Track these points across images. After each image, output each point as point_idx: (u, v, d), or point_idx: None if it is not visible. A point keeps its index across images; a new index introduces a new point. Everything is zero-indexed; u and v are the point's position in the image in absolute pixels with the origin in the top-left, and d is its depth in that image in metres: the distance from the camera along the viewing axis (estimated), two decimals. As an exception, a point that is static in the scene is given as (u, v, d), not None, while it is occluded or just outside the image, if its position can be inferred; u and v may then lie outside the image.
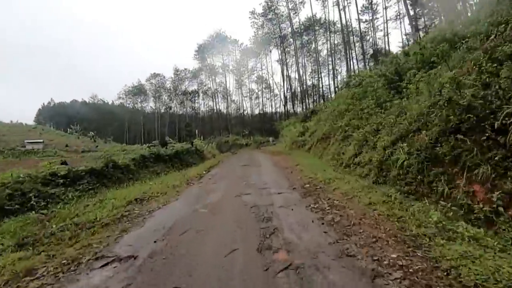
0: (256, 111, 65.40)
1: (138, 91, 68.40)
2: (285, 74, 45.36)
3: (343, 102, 12.26)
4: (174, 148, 13.52)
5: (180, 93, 67.04)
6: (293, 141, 16.83)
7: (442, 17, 24.73)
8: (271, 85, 55.55)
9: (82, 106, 76.25)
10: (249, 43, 52.87)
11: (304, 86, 46.60)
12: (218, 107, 64.81)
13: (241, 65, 59.08)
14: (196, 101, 68.60)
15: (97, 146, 44.68)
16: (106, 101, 77.26)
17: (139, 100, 71.59)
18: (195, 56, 53.51)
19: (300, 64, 44.74)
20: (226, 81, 56.76)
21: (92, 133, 53.44)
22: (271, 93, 55.92)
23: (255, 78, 62.12)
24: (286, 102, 47.13)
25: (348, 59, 38.08)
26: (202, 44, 51.49)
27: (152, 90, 68.83)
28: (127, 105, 72.34)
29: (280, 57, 45.72)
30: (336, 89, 45.11)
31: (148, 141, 64.88)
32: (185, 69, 63.89)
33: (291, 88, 49.79)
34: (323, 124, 13.86)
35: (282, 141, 25.20)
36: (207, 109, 69.79)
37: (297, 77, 46.72)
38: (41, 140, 47.43)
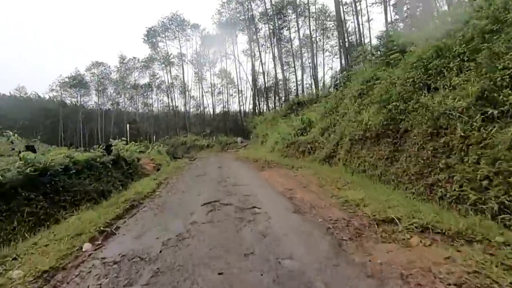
0: (218, 109, 58.88)
1: (77, 83, 57.37)
2: (254, 63, 39.62)
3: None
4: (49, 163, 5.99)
5: (129, 87, 57.65)
6: (288, 144, 11.01)
7: None
8: (237, 80, 49.25)
9: (4, 101, 62.36)
10: (211, 29, 46.24)
11: (274, 80, 41.38)
12: (174, 103, 56.92)
13: (202, 55, 52.09)
14: (149, 96, 59.77)
15: (13, 149, 34.36)
16: (39, 95, 64.13)
17: (79, 94, 60.43)
18: (144, 41, 45.00)
19: (270, 55, 39.47)
20: (183, 74, 49.27)
21: (11, 133, 42.32)
22: (238, 89, 49.76)
23: (218, 72, 55.61)
24: (256, 96, 41.43)
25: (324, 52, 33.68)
26: (153, 27, 43.21)
27: (94, 83, 58.33)
28: (64, 100, 60.69)
29: (249, 44, 39.83)
30: (308, 85, 40.78)
31: (89, 143, 54.99)
32: (134, 58, 54.80)
33: (257, 83, 44.34)
34: (340, 117, 8.40)
35: (257, 142, 19.54)
36: (162, 105, 61.41)
37: (266, 69, 41.36)
38: None
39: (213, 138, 32.61)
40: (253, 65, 42.21)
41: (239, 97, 47.38)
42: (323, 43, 43.32)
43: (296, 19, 32.58)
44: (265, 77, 41.86)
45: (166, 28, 43.23)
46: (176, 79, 54.57)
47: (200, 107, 57.19)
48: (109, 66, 55.94)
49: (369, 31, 30.26)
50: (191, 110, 60.34)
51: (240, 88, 46.38)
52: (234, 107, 60.91)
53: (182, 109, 54.86)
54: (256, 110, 47.86)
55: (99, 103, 62.62)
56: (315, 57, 33.44)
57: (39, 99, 62.52)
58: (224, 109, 56.45)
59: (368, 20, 30.48)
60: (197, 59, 51.45)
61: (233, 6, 35.93)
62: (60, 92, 59.06)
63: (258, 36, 37.90)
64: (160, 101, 60.81)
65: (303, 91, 40.99)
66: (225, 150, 26.59)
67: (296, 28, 35.45)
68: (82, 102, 62.08)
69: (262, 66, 41.58)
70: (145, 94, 58.85)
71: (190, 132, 43.08)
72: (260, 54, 39.98)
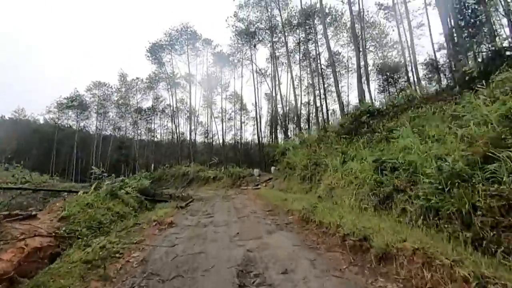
0: (229, 137, 52.64)
1: (77, 104, 52.59)
2: (274, 84, 33.75)
3: None
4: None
5: (132, 110, 52.51)
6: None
7: None
8: (255, 101, 43.14)
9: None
10: (225, 45, 41.28)
11: (294, 104, 35.24)
12: (179, 129, 51.06)
13: (213, 77, 47.05)
14: (153, 121, 54.29)
15: None
16: (34, 118, 59.70)
17: (79, 117, 55.45)
18: (148, 57, 40.11)
19: (294, 74, 33.76)
20: (190, 97, 43.74)
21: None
22: (256, 112, 43.56)
23: (229, 95, 50.21)
24: (275, 123, 35.09)
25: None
26: (158, 41, 38.34)
27: (95, 104, 53.52)
28: (61, 122, 55.68)
29: (270, 60, 34.17)
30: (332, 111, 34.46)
31: (84, 171, 48.67)
32: (137, 78, 50.06)
33: (277, 108, 38.25)
34: None
35: (288, 177, 12.53)
36: (166, 131, 55.70)
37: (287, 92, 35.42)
38: None
39: (222, 169, 25.68)
40: (274, 86, 36.48)
41: (257, 124, 40.82)
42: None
43: (324, 31, 27.20)
44: (287, 100, 35.74)
45: (175, 41, 38.33)
46: (182, 103, 49.24)
47: (208, 134, 51.09)
48: (111, 86, 51.27)
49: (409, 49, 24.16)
50: (198, 137, 54.32)
51: (258, 113, 39.81)
52: (246, 135, 54.81)
53: (188, 136, 48.65)
54: (273, 139, 41.44)
55: (100, 127, 57.52)
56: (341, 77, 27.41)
57: (34, 121, 57.82)
58: (236, 137, 50.17)
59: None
60: (207, 80, 46.29)
61: (252, 8, 30.37)
62: (58, 114, 54.20)
63: (278, 52, 32.33)
64: (165, 126, 55.26)
65: (327, 118, 34.73)
66: (237, 185, 19.49)
67: (324, 41, 29.74)
68: (81, 126, 57.05)
69: (279, 88, 35.66)
70: (148, 119, 53.43)
71: (195, 162, 36.37)
72: (279, 73, 34.28)
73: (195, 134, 50.66)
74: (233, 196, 11.90)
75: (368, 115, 9.39)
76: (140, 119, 53.63)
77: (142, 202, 8.60)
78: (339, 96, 18.23)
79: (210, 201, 11.15)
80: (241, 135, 46.58)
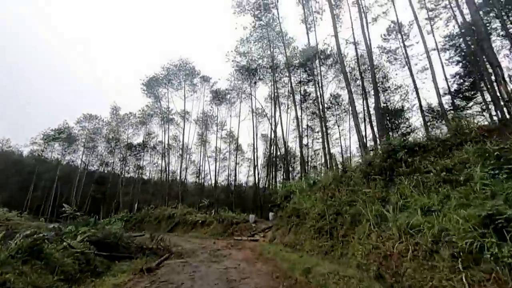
0: (221, 178, 49.82)
1: (65, 137, 50.06)
2: (274, 123, 32.30)
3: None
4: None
5: (122, 146, 50.07)
6: None
7: None
8: (253, 141, 41.22)
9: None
10: (224, 81, 40.49)
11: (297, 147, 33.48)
12: (170, 168, 48.26)
13: (209, 116, 45.85)
14: (142, 157, 51.58)
15: None
16: (18, 149, 56.53)
17: (67, 151, 52.51)
18: (143, 91, 38.90)
19: (291, 115, 32.52)
20: (183, 134, 41.91)
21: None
22: (254, 152, 41.52)
23: (224, 135, 48.60)
24: (274, 164, 32.91)
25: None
26: (156, 75, 37.54)
27: (84, 137, 51.08)
28: (45, 155, 52.54)
29: (270, 99, 33.11)
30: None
31: (60, 209, 44.34)
32: (130, 113, 48.54)
33: (276, 149, 36.40)
34: None
35: (288, 226, 9.91)
36: (156, 169, 52.68)
37: (285, 134, 33.85)
38: None
39: (213, 213, 22.65)
40: (273, 124, 34.99)
41: (254, 164, 38.57)
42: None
43: (321, 73, 26.20)
44: (285, 142, 33.97)
45: (172, 76, 37.55)
46: (175, 140, 47.25)
47: (200, 173, 48.29)
48: (103, 120, 49.42)
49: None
50: (189, 176, 51.38)
51: (255, 153, 37.69)
52: (240, 177, 52.10)
53: (178, 175, 45.70)
54: (270, 182, 38.85)
55: (86, 161, 54.43)
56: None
57: (15, 153, 54.52)
58: (229, 178, 47.36)
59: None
60: (202, 118, 44.96)
61: (254, 43, 29.68)
62: (43, 147, 51.30)
63: (278, 91, 31.40)
64: (155, 164, 52.48)
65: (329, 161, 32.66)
66: (229, 233, 16.53)
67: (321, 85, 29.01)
68: (67, 160, 53.84)
69: (280, 127, 34.20)
70: (138, 155, 50.80)
71: (184, 203, 33.15)
72: (279, 113, 33.05)
73: (186, 173, 47.82)
74: (224, 253, 9.04)
75: (405, 150, 7.25)
76: (129, 155, 51.02)
77: (90, 261, 5.82)
78: (358, 128, 16.30)
79: (193, 257, 8.35)
80: (235, 177, 43.87)
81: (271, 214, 18.63)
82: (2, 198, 45.49)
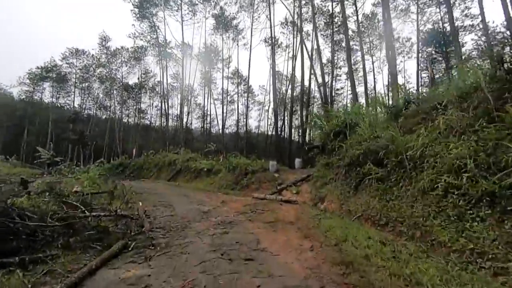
0: (229, 123, 45.28)
1: (55, 76, 44.58)
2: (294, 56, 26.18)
3: None
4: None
5: (119, 87, 44.66)
6: None
7: None
8: (270, 79, 35.50)
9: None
10: (231, 8, 33.18)
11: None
12: (172, 111, 43.50)
13: (212, 48, 39.27)
14: (141, 100, 46.49)
15: None
16: (5, 90, 51.25)
17: (60, 93, 47.49)
18: (134, 15, 32.02)
19: (316, 45, 26.07)
20: (183, 71, 35.99)
21: None
22: (271, 94, 36.10)
23: (231, 73, 42.54)
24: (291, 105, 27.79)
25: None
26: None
27: (74, 76, 45.60)
28: (36, 98, 47.82)
29: (293, 15, 26.33)
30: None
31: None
32: (122, 47, 41.90)
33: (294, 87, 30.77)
34: None
35: (347, 180, 5.11)
36: (157, 113, 47.91)
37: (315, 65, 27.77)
38: None
39: (221, 159, 18.41)
40: (289, 60, 28.80)
41: (274, 102, 33.51)
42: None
43: None
44: (303, 80, 28.07)
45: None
46: (177, 79, 41.45)
47: (205, 118, 43.55)
48: (91, 55, 43.22)
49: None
50: (194, 121, 46.92)
51: (274, 86, 32.08)
52: (250, 122, 47.59)
53: (182, 120, 41.06)
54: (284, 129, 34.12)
55: (82, 105, 49.82)
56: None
57: (4, 95, 49.56)
58: (238, 123, 42.71)
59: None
60: (205, 53, 38.50)
61: None
62: (32, 87, 46.25)
63: (301, 12, 24.54)
64: (156, 107, 47.57)
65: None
66: (242, 186, 12.26)
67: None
68: (61, 103, 49.15)
69: (300, 63, 27.99)
70: (136, 97, 45.64)
71: (187, 147, 29.09)
72: (302, 44, 26.53)
73: (190, 117, 43.21)
74: (242, 237, 4.45)
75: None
76: (128, 98, 45.95)
77: None
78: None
79: (174, 249, 3.87)
80: (246, 121, 39.01)
81: (298, 161, 14.15)
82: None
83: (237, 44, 36.48)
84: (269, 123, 43.08)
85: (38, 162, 20.35)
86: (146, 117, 49.56)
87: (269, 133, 42.77)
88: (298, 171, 12.76)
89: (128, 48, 40.73)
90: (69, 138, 33.05)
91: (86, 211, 5.10)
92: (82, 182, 11.22)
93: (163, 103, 39.16)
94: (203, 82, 41.69)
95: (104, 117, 49.61)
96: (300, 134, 33.42)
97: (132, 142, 40.41)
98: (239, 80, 42.35)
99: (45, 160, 18.37)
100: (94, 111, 50.72)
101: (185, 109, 41.67)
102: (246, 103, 38.11)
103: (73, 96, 47.21)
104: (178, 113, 41.78)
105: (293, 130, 33.87)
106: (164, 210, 7.65)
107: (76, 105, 48.76)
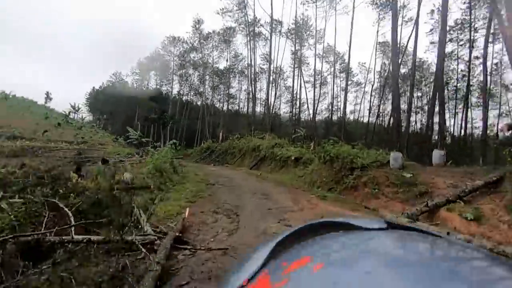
0: (320, 107, 40.52)
1: (159, 64, 48.71)
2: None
3: None
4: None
5: (211, 72, 45.38)
6: None
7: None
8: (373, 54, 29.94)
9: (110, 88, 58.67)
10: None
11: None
12: (259, 96, 41.54)
13: (303, 24, 34.97)
14: (230, 85, 46.17)
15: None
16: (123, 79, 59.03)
17: (163, 81, 51.91)
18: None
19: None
20: (271, 51, 32.89)
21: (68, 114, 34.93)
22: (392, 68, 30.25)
23: (326, 50, 37.28)
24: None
25: None
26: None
27: (174, 64, 48.58)
28: (143, 86, 53.48)
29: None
30: None
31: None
32: (213, 31, 41.60)
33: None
34: None
35: None
36: (245, 98, 46.91)
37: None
38: None
39: (312, 146, 14.68)
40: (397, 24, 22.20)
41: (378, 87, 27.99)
42: None
43: None
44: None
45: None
46: (266, 60, 38.87)
47: (295, 102, 39.93)
48: (186, 42, 44.73)
49: None
50: (283, 105, 44.06)
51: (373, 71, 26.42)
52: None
53: (268, 103, 38.58)
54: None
55: (181, 92, 53.16)
56: None
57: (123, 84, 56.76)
58: (332, 108, 37.53)
59: None
60: (296, 28, 34.44)
61: None
62: (141, 76, 51.81)
63: None
64: (245, 91, 46.61)
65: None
66: (349, 185, 8.21)
67: None
68: (164, 90, 53.62)
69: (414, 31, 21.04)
70: (226, 82, 45.50)
71: (273, 133, 26.37)
72: None
73: (279, 101, 40.39)
74: None
75: None
76: (220, 83, 46.34)
77: None
78: None
79: None
80: (344, 105, 33.57)
81: (438, 154, 9.10)
82: (114, 128, 49.34)
83: (335, 9, 31.06)
84: (369, 106, 36.36)
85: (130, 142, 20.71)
86: (235, 101, 49.34)
87: (370, 119, 36.25)
88: (442, 170, 7.84)
89: (218, 31, 40.33)
90: (151, 117, 34.71)
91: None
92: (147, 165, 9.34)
93: (251, 86, 37.31)
94: (293, 62, 37.97)
95: (198, 103, 51.72)
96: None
97: (220, 127, 40.48)
98: (335, 58, 36.95)
99: (134, 140, 18.34)
100: (190, 97, 53.60)
101: (273, 92, 39.11)
102: (345, 81, 32.58)
103: (172, 83, 50.51)
104: (265, 97, 39.55)
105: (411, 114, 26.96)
106: (222, 222, 4.55)
107: (175, 92, 52.45)
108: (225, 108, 48.55)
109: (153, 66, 48.38)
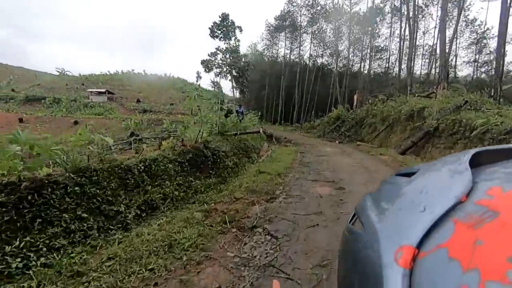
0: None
1: (289, 24, 42.44)
2: None
3: None
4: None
5: (348, 19, 34.98)
6: None
7: None
8: None
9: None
10: None
11: None
12: (424, 40, 28.04)
13: None
14: (377, 32, 34.14)
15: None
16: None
17: (294, 44, 45.40)
18: None
19: None
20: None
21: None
22: None
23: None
24: None
25: None
26: None
27: (302, 20, 41.09)
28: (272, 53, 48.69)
29: None
30: None
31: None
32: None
33: None
34: None
35: None
36: (397, 46, 33.67)
37: None
38: (103, 90, 34.57)
39: None
40: None
41: None
42: None
43: None
44: None
45: None
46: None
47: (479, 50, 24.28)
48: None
49: None
50: (459, 51, 28.73)
51: None
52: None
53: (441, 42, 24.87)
54: None
55: (315, 54, 45.34)
56: None
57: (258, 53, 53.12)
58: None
59: None
60: None
61: None
62: (271, 41, 47.13)
63: None
64: (397, 36, 33.50)
65: None
66: None
67: None
68: (294, 55, 47.22)
69: None
70: (371, 31, 33.89)
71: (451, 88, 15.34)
72: None
73: (455, 44, 25.93)
74: None
75: None
76: (363, 33, 35.43)
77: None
78: None
79: None
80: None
81: None
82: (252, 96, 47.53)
83: None
84: None
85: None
86: (384, 56, 37.07)
87: None
88: None
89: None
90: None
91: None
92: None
93: (410, 26, 24.81)
94: None
95: (333, 65, 42.40)
96: None
97: (360, 90, 30.48)
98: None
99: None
100: (325, 59, 44.99)
101: (448, 32, 24.92)
102: None
103: (306, 45, 43.21)
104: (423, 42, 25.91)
105: None
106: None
107: (306, 56, 45.01)
108: (366, 67, 37.43)
109: (282, 26, 42.48)
